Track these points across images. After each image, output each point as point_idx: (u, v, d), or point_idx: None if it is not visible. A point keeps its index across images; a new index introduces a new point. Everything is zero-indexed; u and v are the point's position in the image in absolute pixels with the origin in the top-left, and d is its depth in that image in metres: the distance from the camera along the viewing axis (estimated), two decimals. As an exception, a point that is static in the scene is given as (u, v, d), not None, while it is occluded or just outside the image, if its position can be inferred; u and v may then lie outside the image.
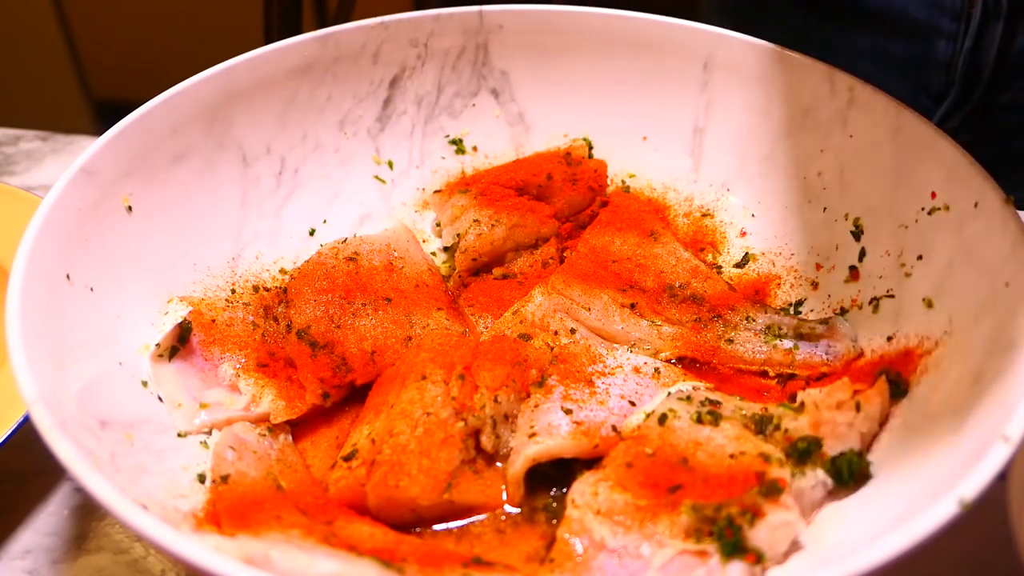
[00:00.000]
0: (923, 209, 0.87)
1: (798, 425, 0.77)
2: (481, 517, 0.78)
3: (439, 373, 0.82)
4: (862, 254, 0.94)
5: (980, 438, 0.65)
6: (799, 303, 0.96)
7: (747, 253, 1.02)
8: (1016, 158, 0.86)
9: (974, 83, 1.06)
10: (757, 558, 0.67)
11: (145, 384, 0.83)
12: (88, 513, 0.87)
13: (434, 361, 0.84)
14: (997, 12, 1.01)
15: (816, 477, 0.73)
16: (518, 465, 0.78)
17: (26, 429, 0.82)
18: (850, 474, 0.73)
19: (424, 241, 1.06)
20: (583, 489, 0.75)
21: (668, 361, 0.90)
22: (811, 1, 1.17)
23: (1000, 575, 0.76)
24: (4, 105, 2.71)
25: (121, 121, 0.89)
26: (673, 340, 0.91)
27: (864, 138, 0.94)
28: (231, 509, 0.72)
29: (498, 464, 0.81)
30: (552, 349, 0.89)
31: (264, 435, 0.83)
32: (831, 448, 0.75)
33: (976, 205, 0.81)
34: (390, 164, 1.10)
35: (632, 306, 0.93)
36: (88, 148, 0.86)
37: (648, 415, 0.81)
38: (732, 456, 0.75)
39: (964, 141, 0.84)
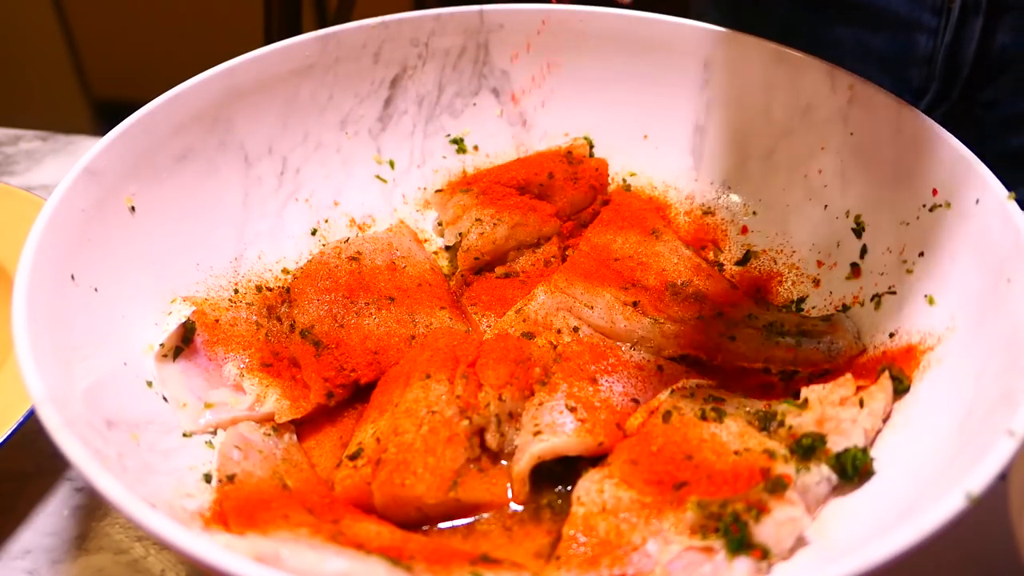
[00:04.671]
0: (924, 206, 0.87)
1: (802, 421, 0.77)
2: (487, 515, 0.78)
3: (443, 372, 0.82)
4: (863, 251, 0.94)
5: (984, 433, 0.65)
6: (801, 300, 0.97)
7: (748, 251, 1.03)
8: (997, 156, 0.86)
9: (954, 79, 1.06)
10: (763, 554, 0.67)
11: (150, 384, 0.83)
12: (88, 513, 0.87)
13: (438, 360, 0.84)
14: (976, 7, 1.01)
15: (821, 473, 0.73)
16: (523, 463, 0.78)
17: (26, 429, 0.82)
18: (854, 470, 0.74)
19: (426, 240, 1.07)
20: (588, 486, 0.75)
21: (671, 359, 0.90)
22: None
23: (1000, 575, 0.76)
24: (4, 105, 2.71)
25: (123, 121, 0.89)
26: (676, 338, 0.91)
27: (865, 135, 0.95)
28: (238, 508, 0.72)
29: (503, 462, 0.81)
30: (555, 347, 0.89)
31: (269, 435, 0.83)
32: (835, 444, 0.76)
33: (977, 202, 0.81)
34: (391, 164, 1.10)
35: (634, 304, 0.93)
36: (91, 148, 0.86)
37: (652, 412, 0.81)
38: (737, 453, 0.75)
39: None
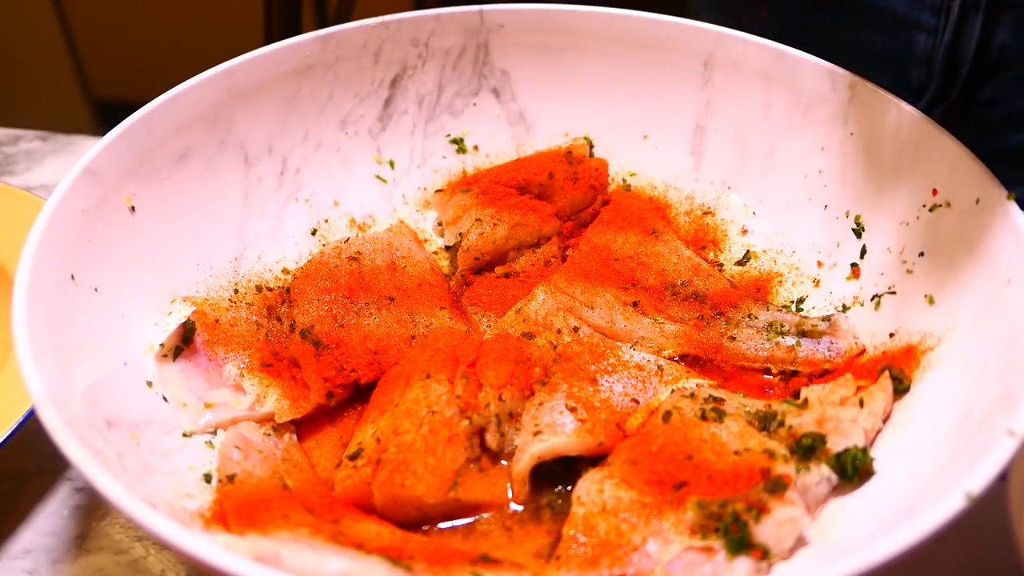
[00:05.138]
0: (924, 206, 0.87)
1: (802, 421, 0.77)
2: (487, 515, 0.78)
3: (443, 372, 0.82)
4: (863, 251, 0.94)
5: (984, 433, 0.65)
6: (801, 300, 0.97)
7: (748, 251, 1.03)
8: (996, 154, 0.87)
9: (953, 77, 1.07)
10: (763, 554, 0.67)
11: (150, 384, 0.83)
12: (88, 513, 0.87)
13: (438, 360, 0.84)
14: (976, 5, 1.01)
15: (820, 473, 0.73)
16: (523, 463, 0.78)
17: (26, 429, 0.82)
18: (854, 470, 0.74)
19: (426, 240, 1.07)
20: (588, 487, 0.75)
21: (671, 359, 0.90)
22: None
23: (1000, 575, 0.76)
24: (4, 105, 2.71)
25: (124, 121, 0.90)
26: (676, 338, 0.91)
27: (865, 136, 0.95)
28: (238, 508, 0.72)
29: (503, 462, 0.81)
30: (555, 347, 0.89)
31: (269, 435, 0.83)
32: (835, 444, 0.76)
33: (977, 201, 0.81)
34: (391, 164, 1.10)
35: (634, 304, 0.93)
36: (91, 148, 0.86)
37: (652, 412, 0.81)
38: (737, 453, 0.75)
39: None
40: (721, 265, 1.02)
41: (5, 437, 0.82)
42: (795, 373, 0.89)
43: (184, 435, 0.82)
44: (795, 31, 1.07)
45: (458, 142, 1.12)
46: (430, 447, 0.77)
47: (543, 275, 0.98)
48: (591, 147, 1.10)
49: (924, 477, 0.68)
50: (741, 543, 0.68)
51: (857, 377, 0.81)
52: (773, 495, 0.70)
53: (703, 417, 0.79)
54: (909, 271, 0.87)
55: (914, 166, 0.89)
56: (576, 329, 0.91)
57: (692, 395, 0.82)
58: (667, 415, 0.79)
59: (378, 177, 1.09)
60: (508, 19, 1.08)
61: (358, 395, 0.88)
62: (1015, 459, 0.62)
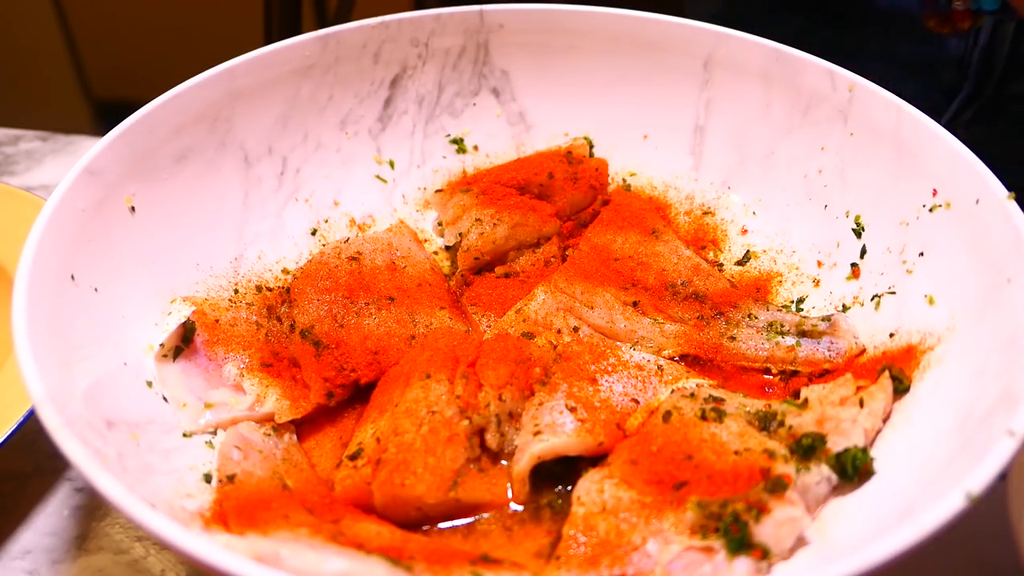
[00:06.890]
0: (924, 206, 0.87)
1: (802, 421, 0.77)
2: (487, 515, 0.78)
3: (443, 372, 0.82)
4: (863, 251, 0.94)
5: (984, 433, 0.65)
6: (801, 300, 0.97)
7: (748, 251, 1.03)
8: None
9: (987, 78, 1.06)
10: (763, 554, 0.67)
11: (150, 384, 0.83)
12: (88, 513, 0.87)
13: (438, 360, 0.84)
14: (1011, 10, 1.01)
15: (821, 473, 0.73)
16: (523, 463, 0.78)
17: (26, 429, 0.83)
18: (854, 470, 0.74)
19: (426, 241, 1.07)
20: (588, 487, 0.75)
21: (671, 359, 0.90)
22: (814, 6, 1.17)
23: (1000, 575, 0.76)
24: (4, 105, 2.71)
25: (124, 121, 0.90)
26: (676, 338, 0.91)
27: (865, 135, 0.95)
28: (238, 508, 0.72)
29: (503, 462, 0.81)
30: (555, 347, 0.89)
31: (269, 435, 0.83)
32: (835, 444, 0.76)
33: (977, 202, 0.81)
34: (391, 164, 1.10)
35: (634, 304, 0.93)
36: (91, 148, 0.86)
37: (652, 412, 0.81)
38: (737, 453, 0.75)
39: (978, 130, 0.84)
40: (721, 265, 1.02)
41: (5, 437, 0.82)
42: (795, 373, 0.89)
43: (184, 435, 0.82)
44: (814, 42, 1.07)
45: (458, 142, 1.12)
46: (430, 447, 0.77)
47: (543, 275, 0.98)
48: (591, 147, 1.11)
49: (924, 477, 0.68)
50: (741, 543, 0.68)
51: (857, 377, 0.81)
52: (773, 495, 0.70)
53: (703, 417, 0.79)
54: (909, 271, 0.87)
55: (914, 166, 0.89)
56: (576, 329, 0.91)
57: (692, 395, 0.82)
58: (667, 415, 0.79)
59: (378, 177, 1.09)
60: (508, 19, 1.08)
61: (358, 395, 0.88)
62: (1015, 459, 0.62)
